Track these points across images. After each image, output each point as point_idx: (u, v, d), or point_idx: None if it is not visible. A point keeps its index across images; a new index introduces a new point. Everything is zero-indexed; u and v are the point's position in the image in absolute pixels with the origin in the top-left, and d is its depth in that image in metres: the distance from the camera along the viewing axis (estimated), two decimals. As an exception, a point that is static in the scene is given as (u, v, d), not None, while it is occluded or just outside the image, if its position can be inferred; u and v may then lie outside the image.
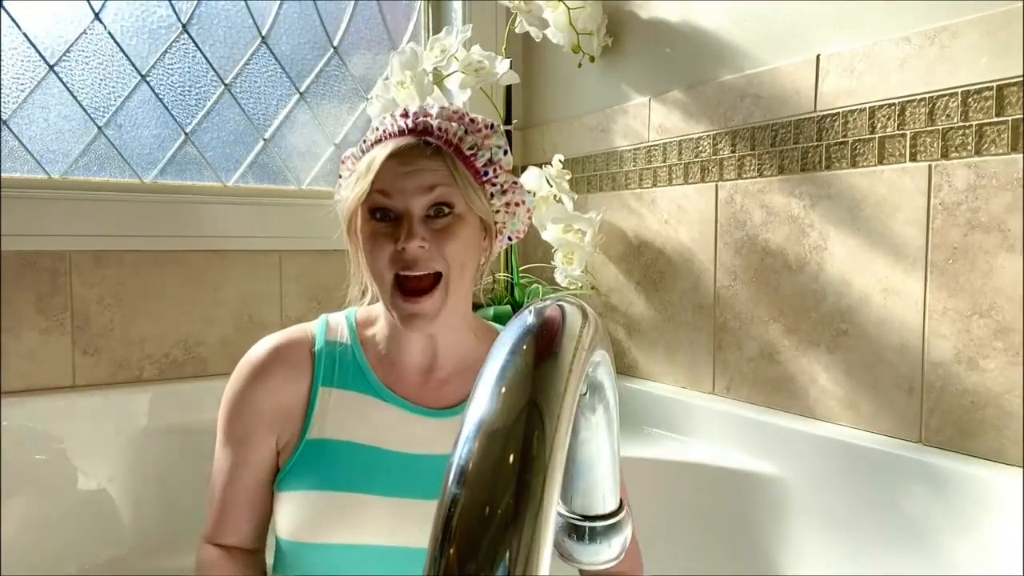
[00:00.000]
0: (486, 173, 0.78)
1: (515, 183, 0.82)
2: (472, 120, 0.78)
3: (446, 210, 0.74)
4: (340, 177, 0.83)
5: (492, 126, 0.79)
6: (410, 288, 0.74)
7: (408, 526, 0.73)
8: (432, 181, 0.73)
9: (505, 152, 0.80)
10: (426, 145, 0.75)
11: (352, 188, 0.76)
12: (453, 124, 0.76)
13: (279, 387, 0.78)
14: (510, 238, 0.85)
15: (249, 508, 0.79)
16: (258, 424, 0.78)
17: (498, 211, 0.81)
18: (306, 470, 0.76)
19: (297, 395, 0.78)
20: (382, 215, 0.75)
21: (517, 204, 0.82)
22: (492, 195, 0.80)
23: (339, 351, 0.81)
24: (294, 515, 0.75)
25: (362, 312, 0.85)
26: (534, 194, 0.87)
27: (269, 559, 0.83)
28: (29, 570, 1.10)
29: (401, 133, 0.76)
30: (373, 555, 0.73)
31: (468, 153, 0.77)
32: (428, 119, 0.76)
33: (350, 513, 0.74)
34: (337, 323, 0.84)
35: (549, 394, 0.28)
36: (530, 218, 0.86)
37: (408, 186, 0.73)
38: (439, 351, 0.81)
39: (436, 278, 0.74)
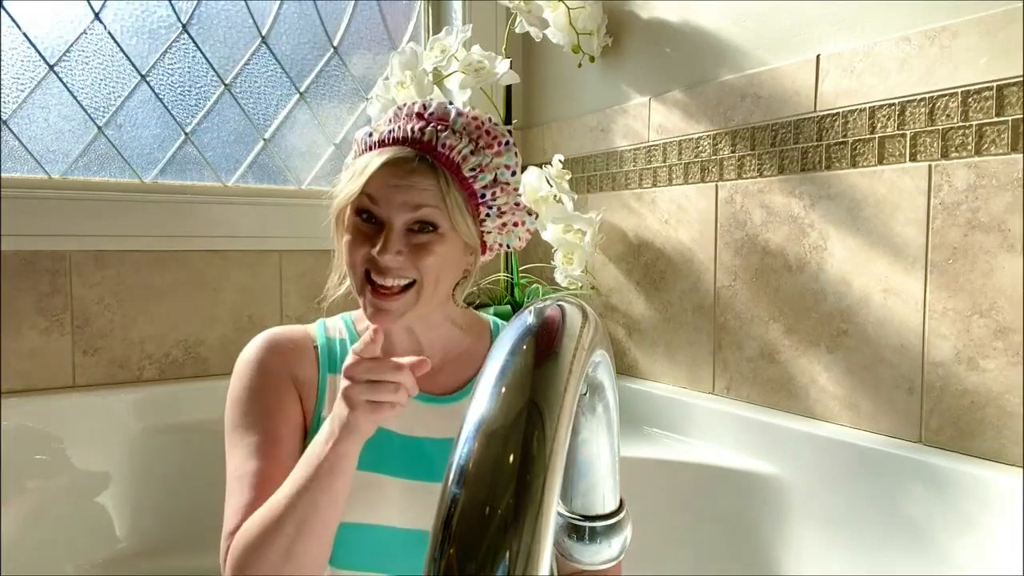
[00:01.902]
0: (483, 195, 0.77)
1: (517, 204, 0.80)
2: (488, 132, 0.77)
3: (429, 228, 0.74)
4: (352, 152, 0.83)
5: (507, 143, 0.77)
6: (381, 291, 0.74)
7: (418, 507, 0.75)
8: (419, 200, 0.72)
9: (513, 173, 0.78)
10: (421, 160, 0.73)
11: (345, 185, 0.76)
12: (463, 140, 0.75)
13: (293, 359, 0.79)
14: (508, 245, 0.84)
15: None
16: (285, 390, 0.78)
17: (490, 232, 0.80)
18: None
19: (308, 374, 0.80)
20: (367, 216, 0.75)
21: (515, 224, 0.81)
22: (487, 216, 0.78)
23: (339, 344, 0.83)
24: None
25: (357, 312, 0.86)
26: (536, 216, 0.85)
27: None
28: (29, 570, 1.10)
29: (405, 140, 0.75)
30: (387, 536, 0.74)
31: (468, 175, 0.75)
32: (439, 128, 0.75)
33: (368, 492, 0.75)
34: (334, 322, 0.86)
35: (549, 394, 0.28)
36: (529, 234, 0.84)
37: (395, 199, 0.72)
38: (423, 343, 0.82)
39: (409, 284, 0.74)
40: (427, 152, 0.74)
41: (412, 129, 0.75)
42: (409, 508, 0.75)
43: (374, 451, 0.76)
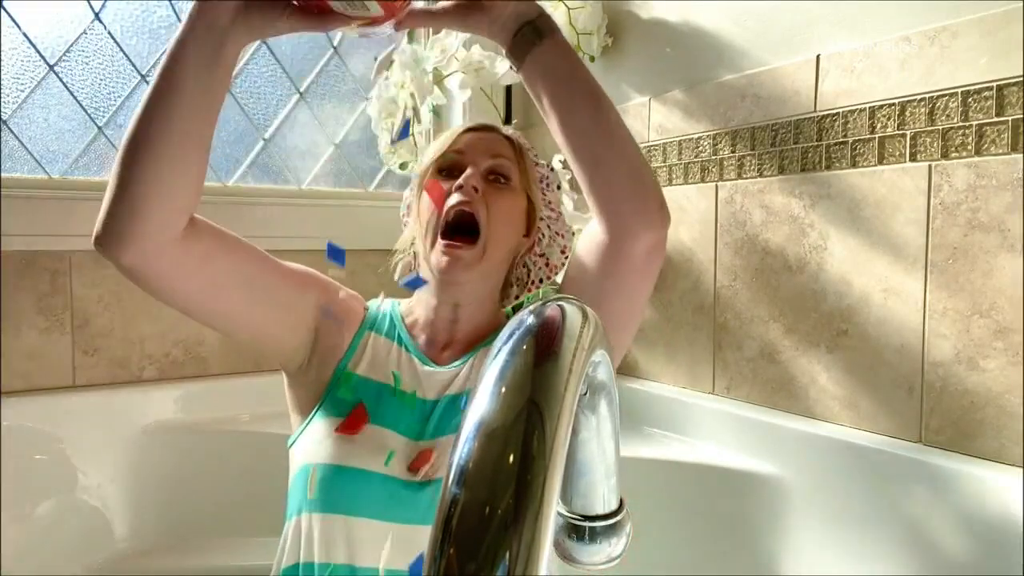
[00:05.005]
0: (541, 181, 0.89)
1: (561, 215, 0.92)
2: (533, 151, 0.91)
3: (503, 180, 0.84)
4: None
5: (552, 169, 0.92)
6: (452, 244, 0.79)
7: (403, 457, 0.77)
8: (499, 150, 0.85)
9: (559, 187, 0.91)
10: (498, 132, 0.88)
11: (430, 153, 0.87)
12: (522, 141, 0.90)
13: (344, 297, 0.87)
14: (542, 280, 0.92)
15: (223, 236, 0.76)
16: (324, 288, 0.85)
17: (543, 219, 0.90)
18: (338, 400, 0.81)
19: (351, 319, 0.86)
20: (448, 173, 0.83)
21: (558, 232, 0.91)
22: (542, 204, 0.90)
23: (382, 313, 0.89)
24: (334, 437, 0.77)
25: (405, 299, 0.92)
26: (573, 233, 0.93)
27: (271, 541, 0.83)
28: (29, 570, 1.10)
29: (478, 127, 0.88)
30: (392, 486, 0.76)
31: (533, 159, 0.89)
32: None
33: (377, 443, 0.77)
34: (382, 300, 0.93)
35: (549, 394, 0.28)
36: (565, 258, 0.92)
37: (478, 147, 0.84)
38: (461, 321, 0.86)
39: (475, 238, 0.81)
40: (501, 128, 0.89)
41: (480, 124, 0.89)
42: (407, 462, 0.77)
43: (387, 408, 0.80)
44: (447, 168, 0.83)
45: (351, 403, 0.80)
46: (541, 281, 0.93)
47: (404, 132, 1.26)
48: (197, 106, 0.67)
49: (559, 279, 0.90)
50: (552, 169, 0.91)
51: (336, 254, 0.77)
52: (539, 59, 0.74)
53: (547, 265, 0.92)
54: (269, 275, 0.79)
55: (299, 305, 0.82)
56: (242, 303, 0.77)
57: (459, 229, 0.80)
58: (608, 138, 0.75)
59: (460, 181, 0.80)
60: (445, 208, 0.80)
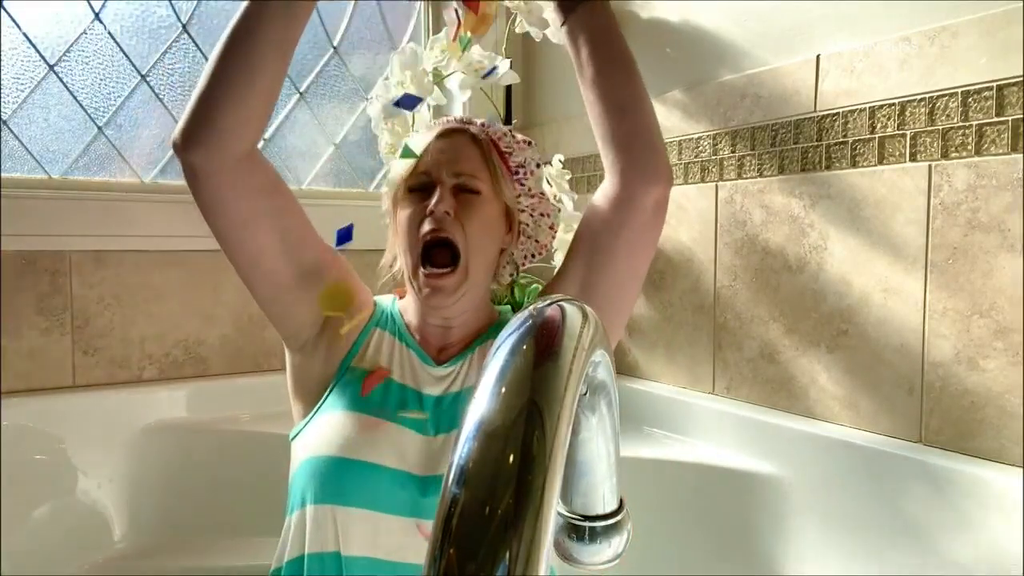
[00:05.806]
0: (517, 172, 0.89)
1: (543, 195, 0.91)
2: (513, 135, 0.90)
3: (472, 192, 0.83)
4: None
5: (529, 143, 0.91)
6: (435, 254, 0.81)
7: (409, 453, 0.78)
8: (464, 165, 0.83)
9: (538, 166, 0.90)
10: (466, 133, 0.86)
11: (398, 170, 0.87)
12: (497, 128, 0.89)
13: (363, 287, 0.90)
14: (534, 255, 0.94)
15: (279, 181, 0.82)
16: (342, 269, 0.87)
17: (523, 210, 0.90)
18: (344, 394, 0.82)
19: (362, 313, 0.88)
20: (418, 191, 0.84)
21: (543, 214, 0.91)
22: (519, 194, 0.89)
23: (386, 309, 0.92)
24: (342, 431, 0.79)
25: (398, 300, 0.94)
26: (560, 210, 0.93)
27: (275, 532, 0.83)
28: (29, 570, 1.10)
29: (450, 125, 0.88)
30: (391, 477, 0.77)
31: (504, 150, 0.88)
32: (475, 121, 0.89)
33: (382, 437, 0.79)
34: (383, 295, 0.95)
35: (549, 394, 0.28)
36: (554, 235, 0.93)
37: (443, 161, 0.83)
38: (453, 330, 0.87)
39: (455, 257, 0.81)
40: (469, 126, 0.88)
41: (455, 120, 0.89)
42: (403, 452, 0.78)
43: (387, 400, 0.82)
44: (417, 187, 0.84)
45: (357, 396, 0.81)
46: (534, 256, 0.94)
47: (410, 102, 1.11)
48: (273, 40, 0.74)
49: (557, 260, 0.91)
50: (529, 143, 0.90)
51: (344, 237, 0.85)
52: (585, 15, 0.84)
53: (536, 243, 0.93)
54: (306, 235, 0.84)
55: (320, 276, 0.84)
56: (273, 249, 0.81)
57: (438, 245, 0.82)
58: (636, 91, 0.84)
59: (431, 207, 0.80)
60: (420, 235, 0.81)
